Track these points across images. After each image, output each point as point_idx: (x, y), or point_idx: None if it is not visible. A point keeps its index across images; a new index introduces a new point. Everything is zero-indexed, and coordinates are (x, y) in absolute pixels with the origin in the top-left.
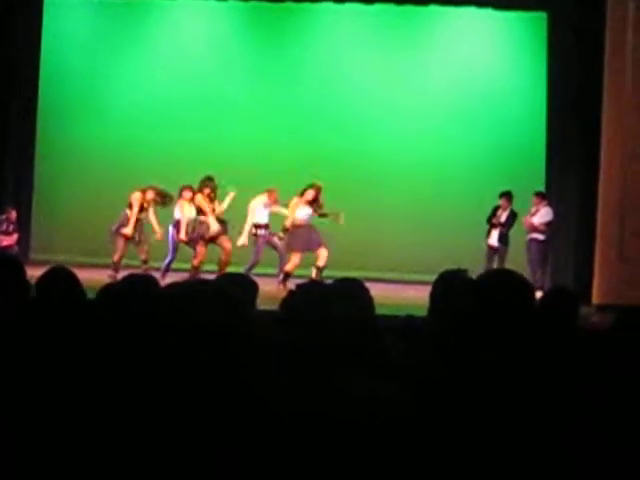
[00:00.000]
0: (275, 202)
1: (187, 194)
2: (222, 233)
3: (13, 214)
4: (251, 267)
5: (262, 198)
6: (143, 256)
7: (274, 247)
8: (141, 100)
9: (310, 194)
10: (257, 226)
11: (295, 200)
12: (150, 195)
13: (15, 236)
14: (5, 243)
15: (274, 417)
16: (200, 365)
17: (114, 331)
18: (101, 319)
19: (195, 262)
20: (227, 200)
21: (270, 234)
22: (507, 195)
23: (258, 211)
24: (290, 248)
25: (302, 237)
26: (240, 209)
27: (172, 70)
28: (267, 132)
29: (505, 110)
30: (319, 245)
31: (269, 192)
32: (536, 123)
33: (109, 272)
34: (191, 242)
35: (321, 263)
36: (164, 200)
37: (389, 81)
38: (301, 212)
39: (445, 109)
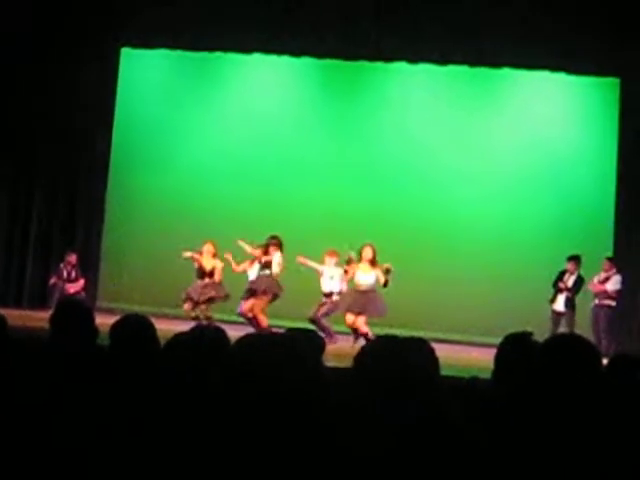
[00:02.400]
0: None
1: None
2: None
3: (73, 258)
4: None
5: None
6: (209, 312)
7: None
8: (211, 154)
9: (369, 253)
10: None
11: (355, 264)
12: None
13: (81, 282)
14: (72, 290)
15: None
16: (272, 420)
17: (182, 382)
18: (167, 369)
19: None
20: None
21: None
22: (575, 259)
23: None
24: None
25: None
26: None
27: (242, 124)
28: (333, 190)
29: (574, 175)
30: (348, 310)
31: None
32: (605, 189)
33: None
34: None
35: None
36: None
37: (458, 143)
38: (363, 277)
39: (513, 172)
